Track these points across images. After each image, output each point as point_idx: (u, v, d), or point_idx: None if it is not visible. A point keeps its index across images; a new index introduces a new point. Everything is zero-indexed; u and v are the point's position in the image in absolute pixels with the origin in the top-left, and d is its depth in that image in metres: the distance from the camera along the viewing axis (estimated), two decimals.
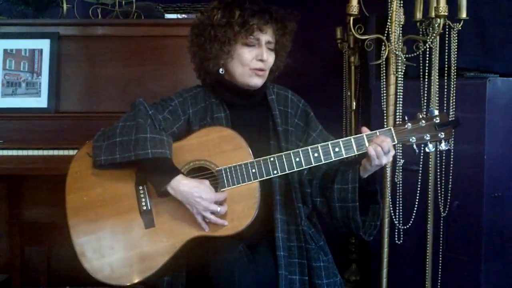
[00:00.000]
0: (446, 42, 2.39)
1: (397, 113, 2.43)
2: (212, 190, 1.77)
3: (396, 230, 2.52)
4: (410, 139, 1.78)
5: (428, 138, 1.78)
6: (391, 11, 2.39)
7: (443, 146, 1.79)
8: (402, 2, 2.38)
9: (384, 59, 2.43)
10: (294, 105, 1.98)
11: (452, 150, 2.41)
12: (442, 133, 1.78)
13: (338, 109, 3.25)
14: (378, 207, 1.86)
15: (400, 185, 2.49)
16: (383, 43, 2.41)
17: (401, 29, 2.40)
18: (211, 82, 1.94)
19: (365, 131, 1.79)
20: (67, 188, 1.84)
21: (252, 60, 1.86)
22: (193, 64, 1.96)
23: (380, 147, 1.73)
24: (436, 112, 1.79)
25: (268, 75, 1.93)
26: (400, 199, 2.50)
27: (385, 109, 2.46)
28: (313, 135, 1.95)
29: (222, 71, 1.90)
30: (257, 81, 1.88)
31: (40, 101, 2.61)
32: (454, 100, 2.40)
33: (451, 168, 2.44)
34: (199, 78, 1.98)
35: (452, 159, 2.43)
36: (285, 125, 1.93)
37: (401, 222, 2.51)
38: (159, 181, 1.74)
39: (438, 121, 1.78)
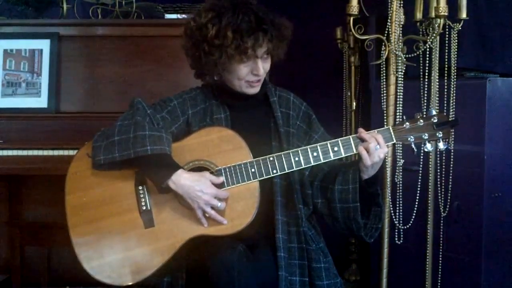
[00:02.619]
0: (446, 42, 2.39)
1: (397, 113, 2.43)
2: (214, 178, 1.77)
3: (396, 230, 2.52)
4: (409, 138, 1.79)
5: (426, 138, 1.79)
6: (391, 11, 2.39)
7: (441, 145, 1.79)
8: (402, 2, 2.38)
9: (384, 59, 2.43)
10: (296, 107, 1.98)
11: (452, 150, 2.41)
12: (440, 133, 1.78)
13: (338, 109, 3.25)
14: (380, 210, 1.86)
15: (400, 185, 2.49)
16: (383, 43, 2.41)
17: (401, 29, 2.40)
18: (211, 83, 1.94)
19: (362, 132, 1.79)
20: (66, 188, 1.84)
21: (248, 74, 1.84)
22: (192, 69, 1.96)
23: (367, 148, 1.74)
24: (434, 112, 1.80)
25: None
26: (400, 199, 2.50)
27: (385, 109, 2.46)
28: (315, 137, 1.95)
29: (217, 78, 1.90)
30: (254, 91, 1.89)
31: (40, 101, 2.61)
32: (454, 100, 2.40)
33: (451, 168, 2.44)
34: (197, 77, 1.98)
35: (452, 159, 2.43)
36: (286, 127, 1.92)
37: (401, 222, 2.50)
38: (160, 176, 1.74)
39: (436, 120, 1.78)
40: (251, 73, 1.84)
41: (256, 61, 1.83)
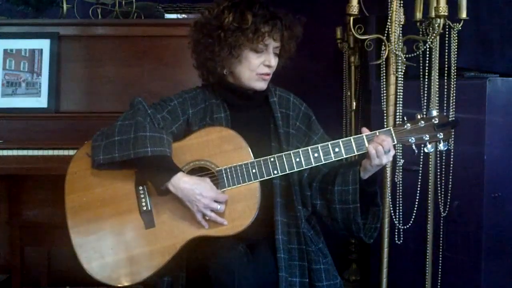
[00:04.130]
0: (446, 42, 2.39)
1: (397, 113, 2.43)
2: (213, 188, 1.77)
3: (396, 230, 2.51)
4: (410, 139, 1.78)
5: (427, 139, 1.79)
6: (391, 11, 2.39)
7: (442, 146, 1.80)
8: (402, 2, 2.38)
9: (384, 59, 2.43)
10: (295, 108, 1.98)
11: (452, 150, 2.41)
12: (441, 134, 1.78)
13: (338, 109, 3.25)
14: (378, 209, 1.86)
15: (400, 185, 2.49)
16: (383, 43, 2.40)
17: (401, 29, 2.40)
18: (213, 81, 1.94)
19: (365, 131, 1.79)
20: (66, 188, 1.84)
21: (260, 66, 1.86)
22: (194, 61, 1.95)
23: (381, 146, 1.73)
24: (435, 113, 1.80)
25: None
26: (400, 199, 2.50)
27: (385, 109, 2.46)
28: (315, 139, 1.95)
29: (226, 72, 1.90)
30: (263, 85, 1.90)
31: (40, 101, 2.60)
32: (454, 100, 2.40)
33: (451, 168, 2.44)
34: (201, 76, 1.97)
35: (452, 159, 2.43)
36: (286, 128, 1.93)
37: (401, 222, 2.50)
38: (160, 179, 1.74)
39: (437, 121, 1.78)
40: (263, 65, 1.86)
41: (269, 53, 1.86)
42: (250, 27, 1.80)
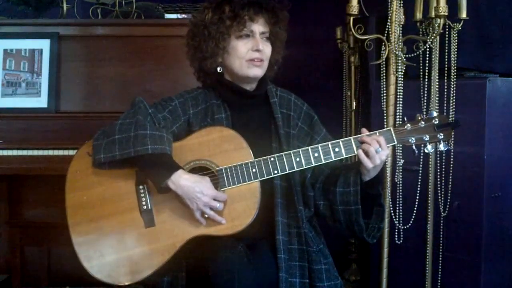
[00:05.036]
0: (446, 42, 2.39)
1: (397, 113, 2.43)
2: (213, 186, 1.77)
3: (396, 230, 2.52)
4: (410, 140, 1.78)
5: (427, 139, 1.78)
6: (391, 11, 2.39)
7: (442, 147, 1.79)
8: (402, 2, 2.38)
9: (384, 59, 2.43)
10: (297, 108, 1.98)
11: (452, 150, 2.41)
12: (441, 134, 1.78)
13: (338, 109, 3.25)
14: (382, 210, 1.86)
15: (400, 185, 2.49)
16: (383, 43, 2.41)
17: (401, 29, 2.40)
18: (212, 83, 1.94)
19: (365, 132, 1.79)
20: (66, 187, 1.84)
21: (248, 52, 1.86)
22: (193, 68, 1.97)
23: (372, 147, 1.73)
24: (435, 114, 1.80)
25: (268, 69, 1.93)
26: (400, 199, 2.50)
27: (385, 109, 2.46)
28: (318, 139, 1.94)
29: (220, 69, 1.91)
30: (256, 72, 1.88)
31: (40, 101, 2.61)
32: (454, 100, 2.40)
33: (451, 168, 2.45)
34: (199, 80, 1.98)
35: (452, 159, 2.43)
36: (287, 128, 1.92)
37: (401, 222, 2.51)
38: (160, 176, 1.74)
39: (437, 122, 1.78)
40: (252, 50, 1.86)
41: (256, 38, 1.86)
42: (228, 14, 1.84)
